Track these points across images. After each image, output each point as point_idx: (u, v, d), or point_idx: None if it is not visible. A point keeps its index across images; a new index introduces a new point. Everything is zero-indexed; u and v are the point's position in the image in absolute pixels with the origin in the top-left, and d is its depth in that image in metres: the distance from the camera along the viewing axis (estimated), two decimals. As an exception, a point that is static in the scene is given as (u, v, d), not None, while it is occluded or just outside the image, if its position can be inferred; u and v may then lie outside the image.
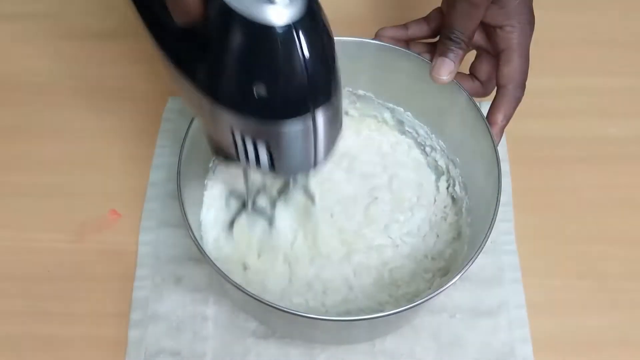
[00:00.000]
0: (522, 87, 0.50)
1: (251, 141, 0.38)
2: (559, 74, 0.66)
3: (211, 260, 0.44)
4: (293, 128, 0.36)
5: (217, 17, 0.34)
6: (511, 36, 0.49)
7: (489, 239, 0.45)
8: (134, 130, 0.63)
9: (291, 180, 0.51)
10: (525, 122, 0.58)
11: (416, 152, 0.59)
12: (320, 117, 0.36)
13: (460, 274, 0.44)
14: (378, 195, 0.56)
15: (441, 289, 0.44)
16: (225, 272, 0.43)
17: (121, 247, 0.57)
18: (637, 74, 0.67)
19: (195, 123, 0.49)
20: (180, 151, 0.48)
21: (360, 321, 0.44)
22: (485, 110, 0.51)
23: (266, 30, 0.33)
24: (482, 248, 0.44)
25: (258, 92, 0.35)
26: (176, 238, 0.57)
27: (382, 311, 0.45)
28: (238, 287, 0.43)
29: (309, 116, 0.36)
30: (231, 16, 0.33)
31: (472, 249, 0.48)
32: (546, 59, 0.60)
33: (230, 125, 0.37)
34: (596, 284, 0.55)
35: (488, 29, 0.51)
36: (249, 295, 0.42)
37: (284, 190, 0.52)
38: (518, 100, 0.51)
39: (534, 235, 0.57)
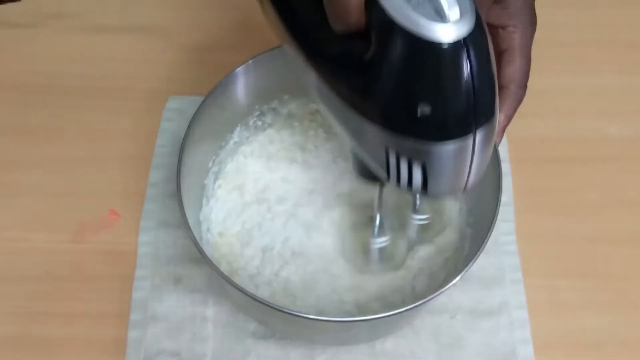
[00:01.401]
0: (524, 87, 0.50)
1: (406, 161, 0.36)
2: (559, 73, 0.66)
3: (211, 261, 0.44)
4: (454, 148, 0.35)
5: (381, 34, 0.33)
6: (513, 36, 0.49)
7: (490, 240, 0.45)
8: (134, 130, 0.63)
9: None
10: (526, 122, 0.58)
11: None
12: (481, 137, 0.35)
13: (461, 275, 0.44)
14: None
15: (442, 290, 0.44)
16: (225, 273, 0.43)
17: (120, 247, 0.56)
18: (637, 74, 0.67)
19: (196, 123, 0.49)
20: (180, 151, 0.48)
21: (360, 322, 0.44)
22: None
23: (435, 47, 0.31)
24: (483, 248, 0.44)
25: (422, 112, 0.33)
26: (176, 238, 0.56)
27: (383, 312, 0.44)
28: (238, 288, 0.43)
29: (470, 136, 0.34)
30: (397, 33, 0.32)
31: (473, 249, 0.48)
32: (546, 58, 0.60)
33: (385, 145, 0.36)
34: (597, 284, 0.55)
35: (490, 29, 0.51)
36: (248, 296, 0.42)
37: None
38: (520, 100, 0.50)
39: (535, 235, 0.57)
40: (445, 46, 0.31)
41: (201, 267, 0.55)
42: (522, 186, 0.59)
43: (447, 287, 0.44)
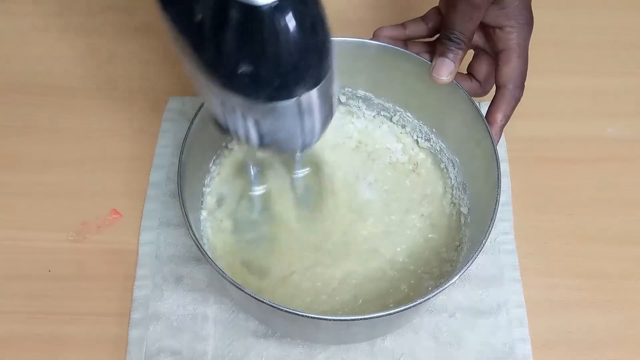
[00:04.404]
0: (521, 87, 0.51)
1: (241, 116, 0.37)
2: (557, 74, 0.67)
3: (211, 260, 0.44)
4: (279, 109, 0.36)
5: None
6: (510, 37, 0.50)
7: (489, 239, 0.45)
8: (135, 130, 0.63)
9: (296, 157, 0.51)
10: (524, 122, 0.59)
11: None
12: (307, 100, 0.36)
13: (460, 274, 0.44)
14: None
15: (441, 289, 0.44)
16: (225, 271, 0.44)
17: (122, 246, 0.57)
18: (636, 74, 0.68)
19: (197, 124, 0.49)
20: (181, 151, 0.48)
21: (360, 321, 0.44)
22: (484, 110, 0.52)
23: (251, 10, 0.32)
24: (482, 248, 0.45)
25: (244, 72, 0.34)
26: (177, 238, 0.57)
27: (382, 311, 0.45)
28: (238, 287, 0.43)
29: (294, 100, 0.35)
30: None
31: (471, 248, 0.48)
32: (545, 59, 0.60)
33: (221, 99, 0.37)
34: (595, 283, 0.56)
35: (487, 30, 0.51)
36: (249, 295, 0.43)
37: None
38: (517, 100, 0.51)
39: (533, 234, 0.58)
40: (261, 9, 0.31)
41: (202, 266, 0.55)
42: (521, 186, 0.60)
43: (446, 286, 0.44)
